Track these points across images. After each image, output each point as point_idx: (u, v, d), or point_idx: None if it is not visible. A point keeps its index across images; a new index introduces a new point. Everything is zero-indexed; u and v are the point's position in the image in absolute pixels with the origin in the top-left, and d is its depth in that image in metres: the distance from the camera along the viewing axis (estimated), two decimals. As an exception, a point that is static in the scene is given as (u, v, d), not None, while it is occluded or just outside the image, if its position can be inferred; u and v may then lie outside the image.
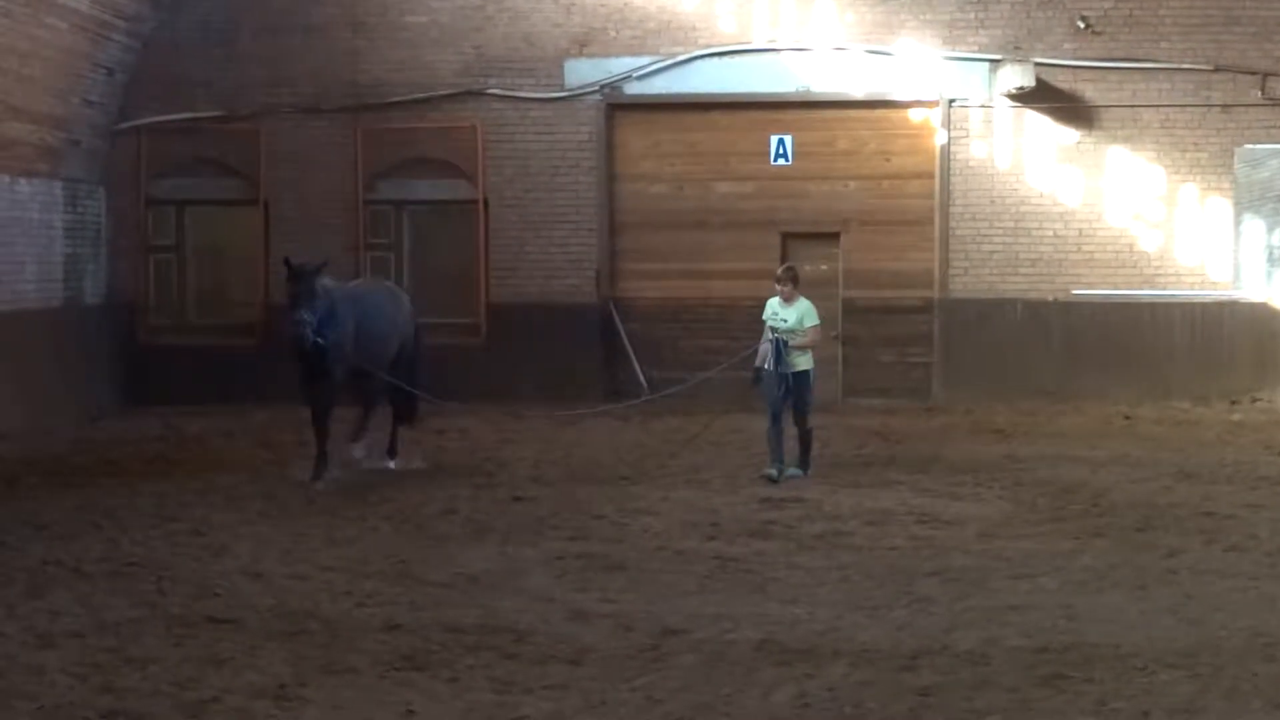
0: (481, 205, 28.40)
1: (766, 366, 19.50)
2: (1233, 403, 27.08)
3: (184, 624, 12.14)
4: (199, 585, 13.57)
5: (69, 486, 19.22)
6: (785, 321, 19.56)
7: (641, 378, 27.70)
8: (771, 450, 19.51)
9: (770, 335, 19.54)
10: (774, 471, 19.33)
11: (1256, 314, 27.77)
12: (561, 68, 28.36)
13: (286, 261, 19.29)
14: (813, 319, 19.67)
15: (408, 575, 14.07)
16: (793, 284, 19.88)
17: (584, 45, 28.37)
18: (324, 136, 28.56)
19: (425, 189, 28.74)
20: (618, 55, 28.30)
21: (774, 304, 19.90)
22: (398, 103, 28.40)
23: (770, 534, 16.03)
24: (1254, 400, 27.24)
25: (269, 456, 21.72)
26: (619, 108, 28.54)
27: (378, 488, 18.90)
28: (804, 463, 19.74)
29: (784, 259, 27.01)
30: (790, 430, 19.65)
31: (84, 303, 27.60)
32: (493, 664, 11.01)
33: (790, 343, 19.39)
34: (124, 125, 28.42)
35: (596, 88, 28.32)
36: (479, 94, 28.40)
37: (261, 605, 12.83)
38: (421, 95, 28.40)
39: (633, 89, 28.37)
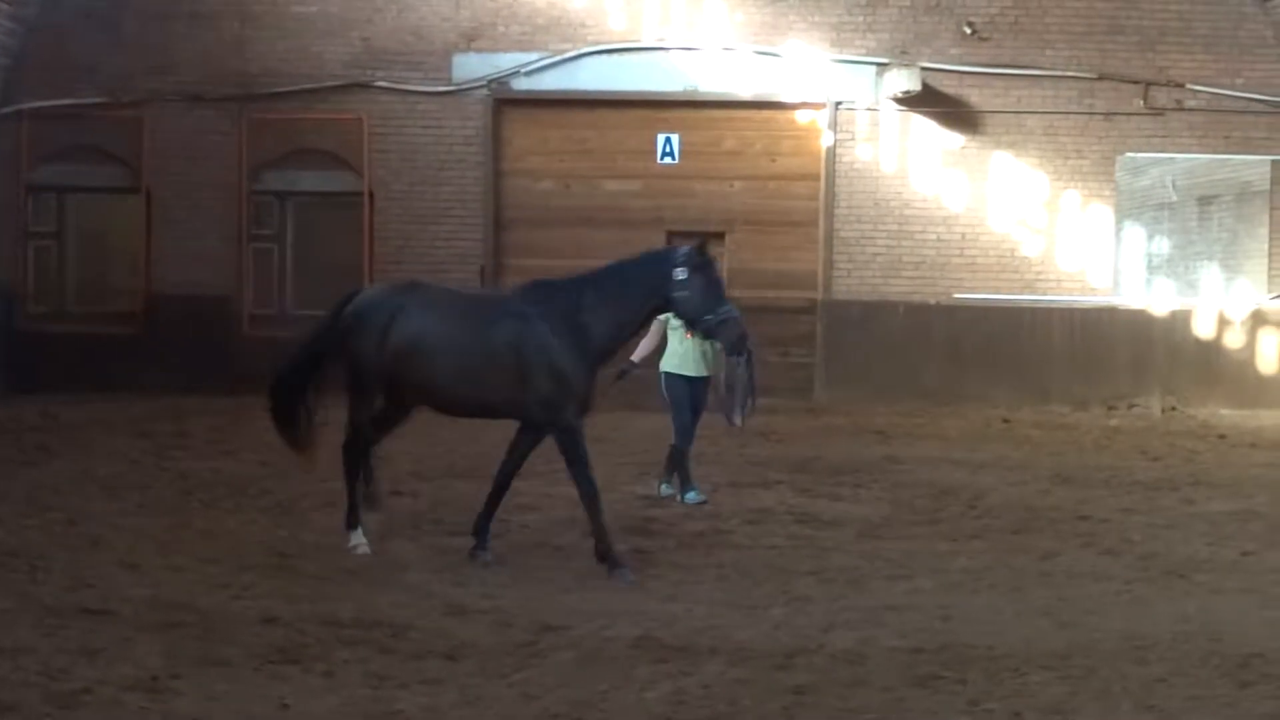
0: (367, 198, 28.29)
1: (688, 372, 17.95)
2: (1110, 408, 27.39)
3: (57, 615, 11.95)
4: (73, 576, 13.37)
5: (-58, 474, 18.93)
6: None
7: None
8: (684, 469, 18.20)
9: (688, 332, 17.43)
10: (695, 494, 18.02)
11: (1135, 321, 28.08)
12: (450, 62, 28.32)
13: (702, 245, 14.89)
14: None
15: (285, 568, 13.95)
16: None
17: (472, 40, 28.32)
18: (209, 125, 28.36)
19: (310, 180, 28.63)
20: (506, 51, 28.28)
21: None
22: (284, 93, 28.26)
23: (650, 531, 16.03)
24: (1131, 406, 27.56)
25: (147, 446, 21.47)
26: (506, 103, 28.51)
27: (257, 480, 18.73)
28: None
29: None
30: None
31: (-39, 289, 27.29)
32: (369, 658, 10.93)
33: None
34: (5, 110, 28.13)
35: (484, 83, 28.28)
36: (366, 86, 28.31)
37: (136, 596, 12.66)
38: (308, 86, 28.28)
39: (521, 85, 28.35)
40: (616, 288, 14.45)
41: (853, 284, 28.10)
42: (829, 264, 28.14)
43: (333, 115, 28.31)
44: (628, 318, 14.52)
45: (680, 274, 14.20)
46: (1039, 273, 28.18)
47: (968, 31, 28.21)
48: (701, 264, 14.32)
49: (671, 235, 28.24)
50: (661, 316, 16.33)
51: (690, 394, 17.93)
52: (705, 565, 14.45)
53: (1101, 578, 14.20)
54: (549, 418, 14.23)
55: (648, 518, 16.75)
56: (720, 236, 28.37)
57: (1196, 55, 28.40)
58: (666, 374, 17.98)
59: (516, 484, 14.97)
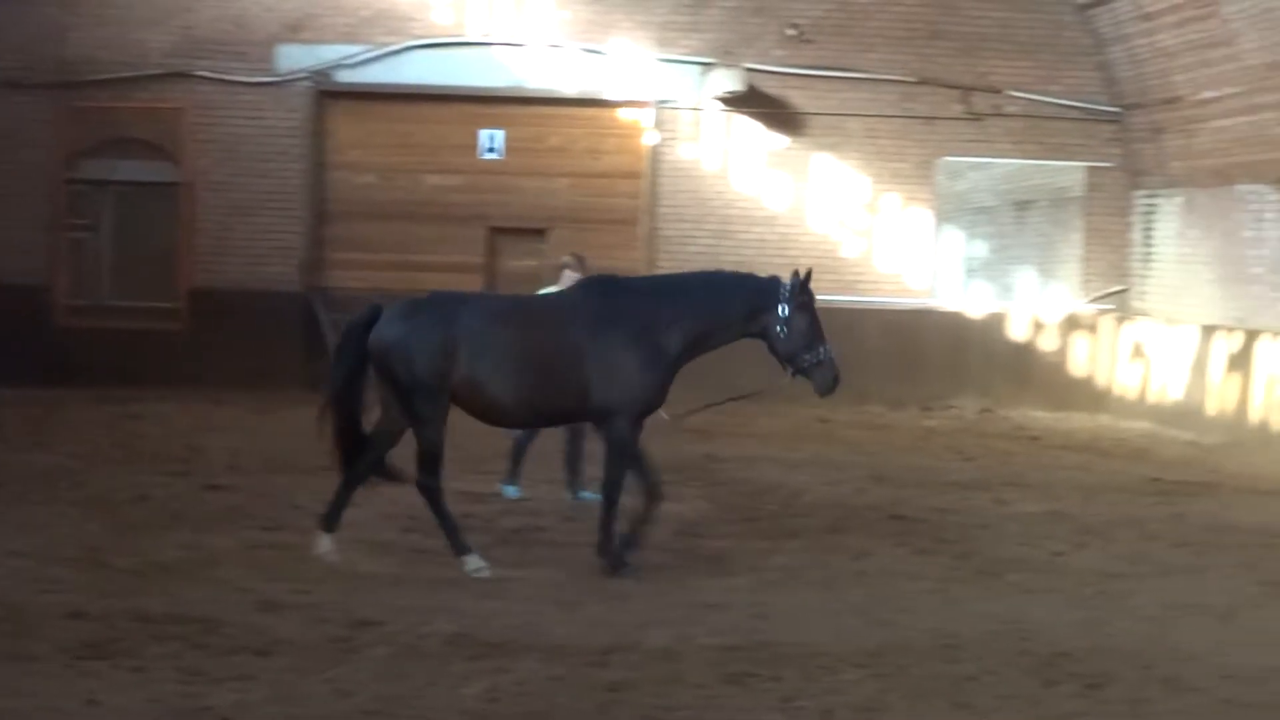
0: (187, 188, 27.95)
1: None
2: (926, 409, 27.71)
3: None
4: (-122, 570, 13.18)
5: None
6: None
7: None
8: (574, 468, 17.97)
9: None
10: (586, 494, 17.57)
11: (951, 323, 28.44)
12: (273, 52, 28.09)
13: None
14: None
15: (97, 562, 13.77)
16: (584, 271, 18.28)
17: (296, 31, 28.12)
18: (26, 112, 27.90)
19: (130, 170, 28.24)
20: (331, 42, 28.09)
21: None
22: (104, 81, 27.88)
23: (468, 527, 15.85)
24: (947, 407, 27.90)
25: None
26: (330, 95, 28.35)
27: (70, 473, 18.47)
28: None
29: (491, 254, 27.15)
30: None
31: None
32: (180, 653, 10.81)
33: None
34: None
35: (308, 74, 28.08)
36: (188, 75, 28.02)
37: (-57, 591, 12.49)
38: (129, 74, 27.93)
39: (344, 77, 28.19)
40: (707, 303, 14.35)
41: (675, 283, 28.16)
42: (651, 262, 28.21)
43: (153, 104, 27.97)
44: (711, 336, 14.45)
45: (783, 311, 14.18)
46: (858, 274, 28.44)
47: (791, 34, 28.42)
48: (805, 301, 14.30)
49: (494, 231, 28.28)
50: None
51: None
52: (523, 562, 14.44)
53: (914, 577, 14.37)
54: (604, 421, 14.10)
55: (465, 514, 16.59)
56: (542, 233, 28.40)
57: (1015, 62, 28.81)
58: None
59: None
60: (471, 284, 27.49)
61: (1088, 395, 28.83)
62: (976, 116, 28.72)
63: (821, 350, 14.29)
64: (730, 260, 27.80)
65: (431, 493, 14.02)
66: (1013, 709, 10.26)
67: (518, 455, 17.98)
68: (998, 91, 28.72)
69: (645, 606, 12.79)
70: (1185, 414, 26.44)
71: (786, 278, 14.46)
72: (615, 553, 14.02)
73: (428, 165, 28.58)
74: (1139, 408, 27.71)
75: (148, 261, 27.82)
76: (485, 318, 14.04)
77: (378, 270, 28.03)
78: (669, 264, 28.13)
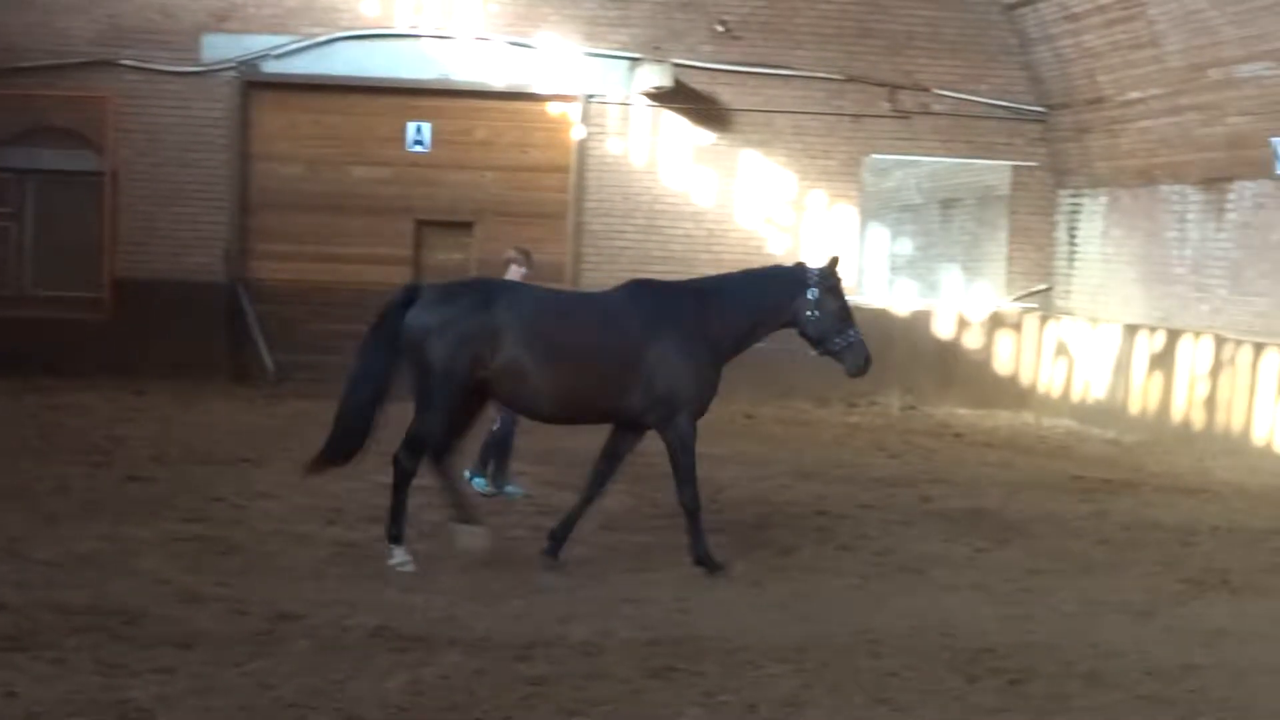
0: (111, 178, 27.75)
1: None
2: (851, 405, 27.80)
3: None
4: None
5: None
6: None
7: (268, 360, 27.40)
8: (502, 465, 18.05)
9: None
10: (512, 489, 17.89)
11: (877, 320, 28.37)
12: (199, 42, 27.91)
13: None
14: None
15: (15, 554, 13.65)
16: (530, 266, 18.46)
17: (223, 20, 27.97)
18: (-53, 99, 27.63)
19: (52, 158, 27.99)
20: (257, 32, 27.95)
21: None
22: (26, 68, 27.60)
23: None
24: (871, 404, 27.98)
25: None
26: (256, 86, 28.20)
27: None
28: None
29: (417, 246, 27.14)
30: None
31: None
32: (100, 645, 10.74)
33: None
34: None
35: (234, 64, 27.93)
36: (113, 64, 27.81)
37: None
38: (52, 62, 27.67)
39: (271, 68, 28.05)
40: (746, 299, 14.47)
41: (600, 277, 28.04)
42: (577, 256, 28.23)
43: (77, 93, 27.72)
44: (753, 330, 14.55)
45: (813, 294, 14.32)
46: (785, 270, 28.44)
47: (720, 30, 28.46)
48: (833, 284, 14.47)
49: (421, 224, 28.21)
50: None
51: None
52: (446, 556, 14.39)
53: (838, 573, 14.43)
54: (665, 420, 14.12)
55: (384, 506, 16.62)
56: (469, 227, 28.35)
57: (943, 60, 28.93)
58: None
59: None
60: (399, 277, 27.43)
61: (1011, 393, 28.99)
62: (903, 115, 28.84)
63: (851, 332, 14.56)
64: (657, 255, 28.07)
65: (404, 475, 13.89)
66: (935, 704, 10.31)
67: (503, 454, 17.90)
68: (925, 90, 28.84)
69: (568, 600, 12.80)
70: (1107, 412, 26.63)
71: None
72: (709, 556, 14.11)
73: (354, 157, 28.47)
74: (1062, 406, 27.88)
75: (71, 251, 27.59)
76: (534, 307, 14.02)
77: (303, 262, 27.94)
78: (596, 259, 28.18)
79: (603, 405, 14.19)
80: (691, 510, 14.15)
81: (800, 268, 14.76)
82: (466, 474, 17.68)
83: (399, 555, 13.84)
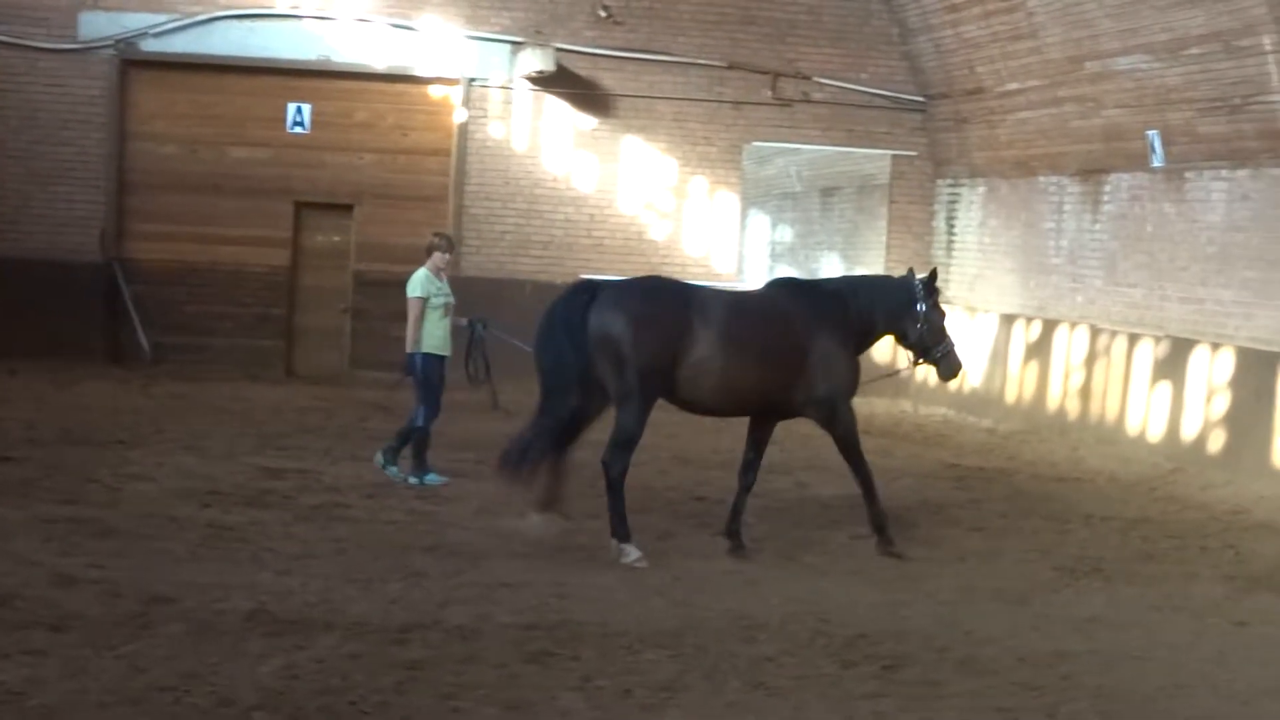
0: (-16, 156, 27.36)
1: (446, 353, 17.79)
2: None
3: None
4: None
5: None
6: (449, 298, 17.98)
7: (144, 341, 27.14)
8: (424, 450, 17.85)
9: (451, 318, 17.88)
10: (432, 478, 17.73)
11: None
12: (75, 19, 27.50)
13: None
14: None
15: (-115, 536, 13.52)
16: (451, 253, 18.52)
17: (100, -2, 27.59)
18: None
19: (-79, 136, 27.55)
20: (135, 11, 27.59)
21: (428, 278, 17.84)
22: (-105, 45, 27.15)
23: (267, 503, 15.88)
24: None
25: None
26: (134, 64, 27.87)
27: None
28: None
29: (297, 228, 26.99)
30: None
31: None
32: (-30, 628, 10.65)
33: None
34: None
35: (111, 42, 27.58)
36: (-14, 41, 27.37)
37: None
38: (-76, 38, 27.24)
39: (149, 46, 27.71)
40: (876, 303, 15.24)
41: (481, 261, 28.09)
42: (457, 240, 28.08)
43: (-51, 69, 27.33)
44: (874, 333, 15.47)
45: (921, 309, 15.23)
46: (665, 256, 28.50)
47: (602, 15, 28.42)
48: (937, 299, 15.42)
49: (300, 206, 28.02)
50: (421, 295, 17.21)
51: (441, 374, 17.77)
52: (322, 539, 14.36)
53: (715, 558, 14.51)
54: (830, 413, 14.92)
55: (265, 490, 16.58)
56: (348, 209, 28.20)
57: (824, 49, 29.03)
58: (426, 355, 17.59)
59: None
60: (278, 259, 27.34)
61: (888, 381, 29.07)
62: (785, 103, 28.91)
63: (949, 343, 15.55)
64: (538, 240, 28.07)
65: (617, 475, 14.23)
66: (810, 689, 10.38)
67: (421, 444, 17.76)
68: (806, 78, 28.93)
69: (445, 585, 12.79)
70: (984, 401, 26.84)
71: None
72: (889, 537, 15.10)
73: (233, 138, 28.21)
74: (938, 394, 27.99)
75: (-57, 230, 27.20)
76: (722, 308, 14.47)
77: (181, 242, 27.66)
78: (476, 242, 28.10)
79: (772, 398, 14.82)
80: (867, 485, 15.21)
81: (911, 278, 15.63)
82: (379, 461, 17.67)
83: (632, 553, 14.08)
